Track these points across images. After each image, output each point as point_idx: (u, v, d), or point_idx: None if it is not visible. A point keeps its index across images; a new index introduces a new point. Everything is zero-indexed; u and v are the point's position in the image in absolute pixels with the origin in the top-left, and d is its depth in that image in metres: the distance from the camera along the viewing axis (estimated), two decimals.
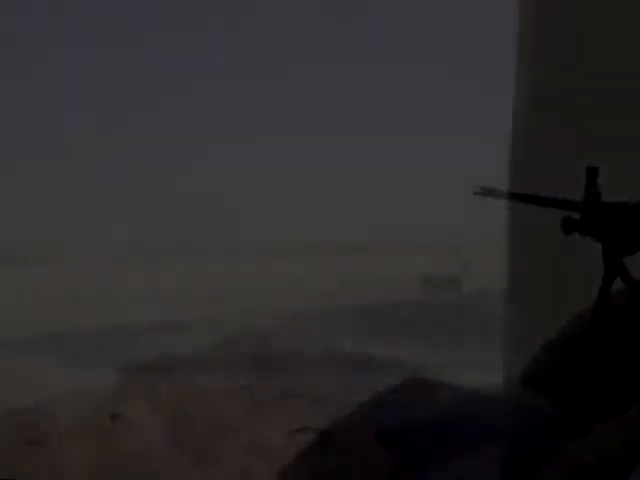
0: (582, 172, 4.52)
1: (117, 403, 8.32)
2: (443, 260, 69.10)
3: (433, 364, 17.22)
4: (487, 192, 4.81)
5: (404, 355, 20.06)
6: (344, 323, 29.64)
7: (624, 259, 4.58)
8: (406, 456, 5.34)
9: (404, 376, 6.70)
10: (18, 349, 17.04)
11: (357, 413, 5.91)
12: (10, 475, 7.16)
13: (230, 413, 9.09)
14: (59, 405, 7.99)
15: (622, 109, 8.25)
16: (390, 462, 5.32)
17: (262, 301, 42.03)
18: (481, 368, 15.96)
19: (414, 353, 20.35)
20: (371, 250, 74.50)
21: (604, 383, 5.03)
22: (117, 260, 63.14)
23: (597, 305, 4.67)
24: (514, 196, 4.83)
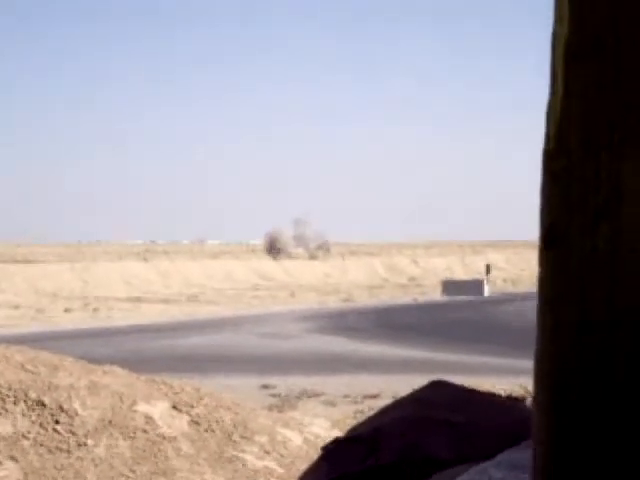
0: None
1: (139, 399, 8.29)
2: (465, 263, 68.94)
3: (455, 366, 17.12)
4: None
5: (427, 357, 19.97)
6: (364, 325, 29.58)
7: None
8: (424, 458, 5.30)
9: (429, 379, 6.65)
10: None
11: (382, 415, 5.86)
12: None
13: (250, 412, 9.05)
14: (83, 400, 7.97)
15: None
16: (414, 463, 5.27)
17: (283, 301, 42.05)
18: (505, 372, 15.88)
19: (436, 355, 20.25)
20: (392, 252, 74.40)
21: None
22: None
23: None
24: None
